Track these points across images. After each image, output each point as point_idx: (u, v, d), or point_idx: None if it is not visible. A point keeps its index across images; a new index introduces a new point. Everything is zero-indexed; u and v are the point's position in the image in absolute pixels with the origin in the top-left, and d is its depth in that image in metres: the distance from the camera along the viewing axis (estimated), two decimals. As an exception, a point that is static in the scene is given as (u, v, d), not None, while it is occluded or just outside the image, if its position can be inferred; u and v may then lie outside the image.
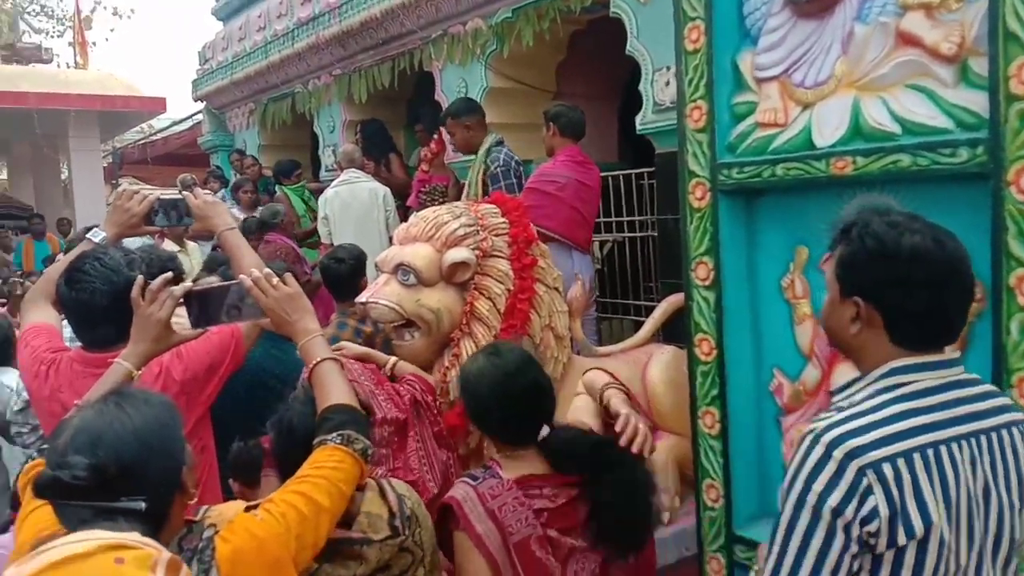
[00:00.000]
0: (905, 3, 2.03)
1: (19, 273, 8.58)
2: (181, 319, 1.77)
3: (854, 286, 1.43)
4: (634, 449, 2.10)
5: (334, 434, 1.55)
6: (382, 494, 1.75)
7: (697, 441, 2.66)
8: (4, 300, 5.73)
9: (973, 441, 1.35)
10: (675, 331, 3.79)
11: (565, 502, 1.92)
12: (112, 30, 38.13)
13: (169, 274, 1.78)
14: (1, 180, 17.95)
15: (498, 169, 4.33)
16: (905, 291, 1.36)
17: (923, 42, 2.00)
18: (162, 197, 2.27)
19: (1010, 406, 1.43)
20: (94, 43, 20.15)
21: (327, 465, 1.50)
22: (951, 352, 1.44)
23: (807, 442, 1.34)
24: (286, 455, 1.70)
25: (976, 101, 1.91)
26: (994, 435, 1.37)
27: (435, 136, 5.91)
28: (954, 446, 1.33)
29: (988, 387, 1.43)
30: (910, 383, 1.36)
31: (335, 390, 1.65)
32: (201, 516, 1.43)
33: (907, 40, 2.03)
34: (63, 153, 12.41)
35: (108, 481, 1.17)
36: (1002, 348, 1.89)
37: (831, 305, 1.49)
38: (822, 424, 1.34)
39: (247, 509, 1.43)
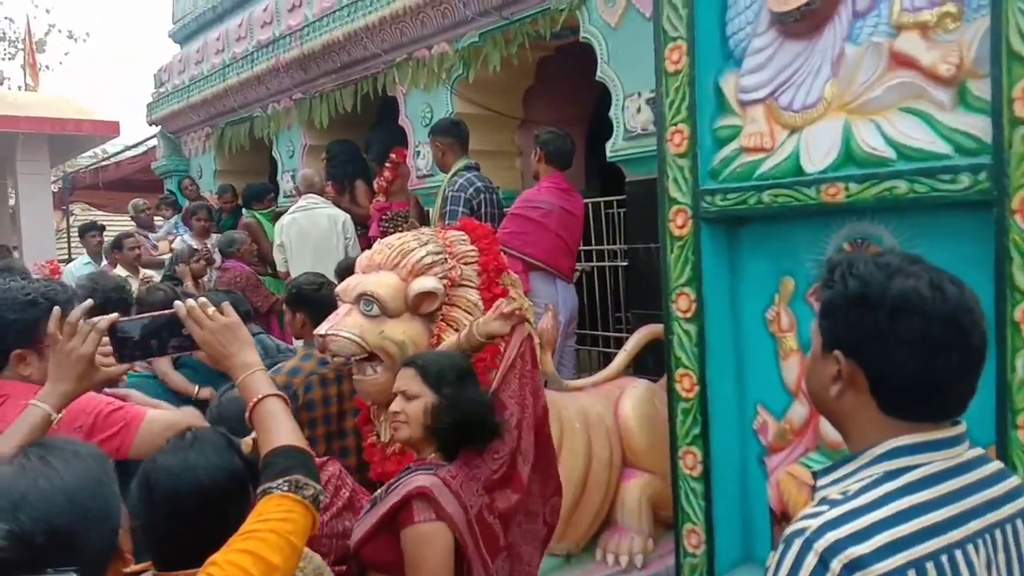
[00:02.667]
0: (899, 23, 1.95)
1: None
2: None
3: (834, 338, 1.17)
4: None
5: (280, 480, 1.36)
6: None
7: (677, 483, 2.52)
8: None
9: (988, 538, 1.11)
10: (645, 364, 3.68)
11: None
12: (67, 54, 37.10)
13: (89, 302, 1.57)
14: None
15: (450, 194, 4.18)
16: (890, 348, 1.11)
17: (919, 63, 1.91)
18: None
19: (1021, 488, 1.18)
20: (47, 66, 19.70)
21: (275, 517, 1.32)
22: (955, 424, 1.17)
23: (796, 547, 1.05)
24: (149, 526, 1.43)
25: (976, 125, 1.82)
26: (1008, 527, 1.14)
27: (387, 164, 5.77)
28: (970, 548, 1.09)
29: (997, 466, 1.18)
30: (915, 468, 1.10)
31: (280, 430, 1.45)
32: None
33: (901, 61, 1.95)
34: (10, 177, 11.97)
35: (34, 551, 0.99)
36: (1006, 387, 1.78)
37: (813, 360, 1.23)
38: (813, 524, 1.06)
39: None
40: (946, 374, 1.11)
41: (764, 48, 2.22)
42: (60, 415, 1.53)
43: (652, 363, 3.65)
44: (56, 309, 1.56)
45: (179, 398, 2.85)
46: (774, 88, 2.20)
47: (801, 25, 2.13)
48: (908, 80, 1.94)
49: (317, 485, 1.39)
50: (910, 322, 1.10)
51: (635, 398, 3.28)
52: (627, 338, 3.74)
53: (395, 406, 2.02)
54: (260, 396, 1.48)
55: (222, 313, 1.55)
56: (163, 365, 2.87)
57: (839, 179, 2.02)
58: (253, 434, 2.31)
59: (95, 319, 1.54)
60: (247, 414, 1.49)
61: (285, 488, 1.34)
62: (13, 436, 1.46)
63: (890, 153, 1.95)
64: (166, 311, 1.58)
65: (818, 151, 2.09)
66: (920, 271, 1.14)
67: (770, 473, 2.40)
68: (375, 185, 5.87)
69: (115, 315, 1.58)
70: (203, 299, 1.57)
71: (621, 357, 3.55)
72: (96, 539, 1.07)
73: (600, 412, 3.21)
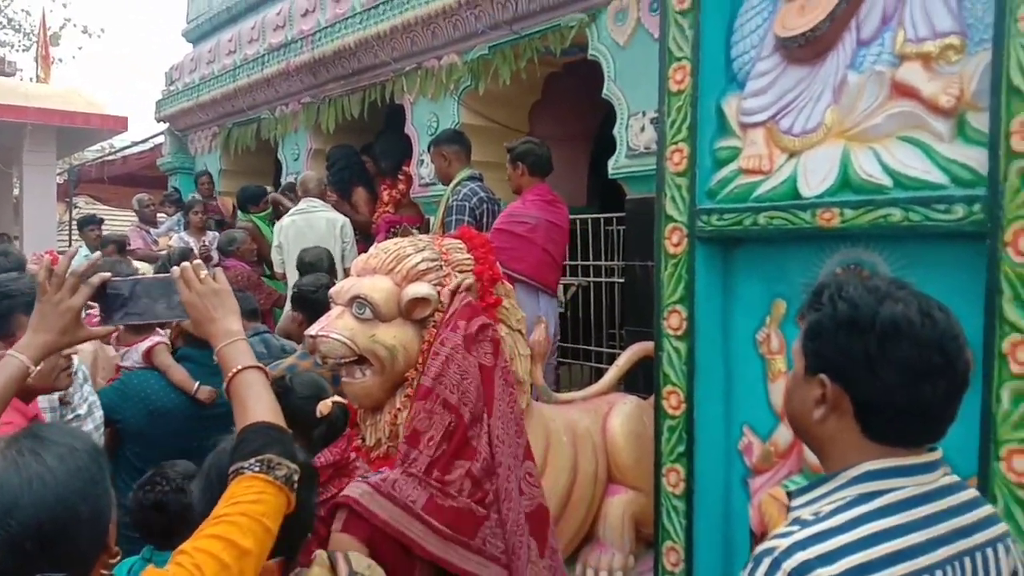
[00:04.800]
0: (902, 53, 1.97)
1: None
2: None
3: (821, 361, 1.17)
4: None
5: (252, 460, 1.31)
6: (332, 569, 1.50)
7: (659, 500, 2.52)
8: None
9: (958, 566, 1.12)
10: (635, 381, 3.68)
11: None
12: (80, 48, 37.19)
13: (75, 249, 1.58)
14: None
15: (454, 203, 4.21)
16: (878, 373, 1.11)
17: (920, 94, 1.92)
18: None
19: (994, 517, 1.20)
20: (59, 59, 19.78)
21: (246, 499, 1.27)
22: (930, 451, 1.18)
23: (765, 566, 1.06)
24: None
25: (973, 157, 1.83)
26: (979, 555, 1.14)
27: (400, 176, 5.79)
28: (939, 574, 1.10)
29: (972, 494, 1.19)
30: (888, 492, 1.11)
31: (257, 405, 1.39)
32: None
33: (902, 91, 1.96)
34: (16, 167, 12.01)
35: (23, 557, 0.97)
36: (991, 418, 1.78)
37: (794, 382, 1.23)
38: (783, 544, 1.07)
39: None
40: (933, 400, 1.13)
41: (767, 72, 2.24)
42: (39, 367, 1.51)
43: (643, 380, 3.65)
44: (46, 258, 1.56)
45: (178, 393, 2.82)
46: (775, 112, 2.22)
47: (805, 51, 2.14)
48: (908, 110, 1.96)
49: (291, 464, 1.34)
50: (899, 347, 1.11)
51: (624, 414, 3.29)
52: (620, 354, 3.75)
53: None
54: (240, 367, 1.43)
55: (214, 279, 1.53)
56: (165, 357, 2.84)
57: (835, 204, 2.03)
58: (334, 397, 2.34)
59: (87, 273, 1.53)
60: (224, 385, 1.44)
61: (256, 468, 1.30)
62: None
63: (887, 181, 1.96)
64: (161, 274, 1.58)
65: (816, 176, 2.10)
66: (908, 296, 1.15)
67: (753, 494, 2.39)
68: (385, 195, 5.88)
69: (108, 273, 1.56)
70: (198, 262, 1.56)
71: (612, 372, 3.55)
72: (86, 540, 1.06)
73: (588, 426, 3.21)
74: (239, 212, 6.80)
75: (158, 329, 2.97)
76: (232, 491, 1.29)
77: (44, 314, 1.51)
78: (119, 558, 1.19)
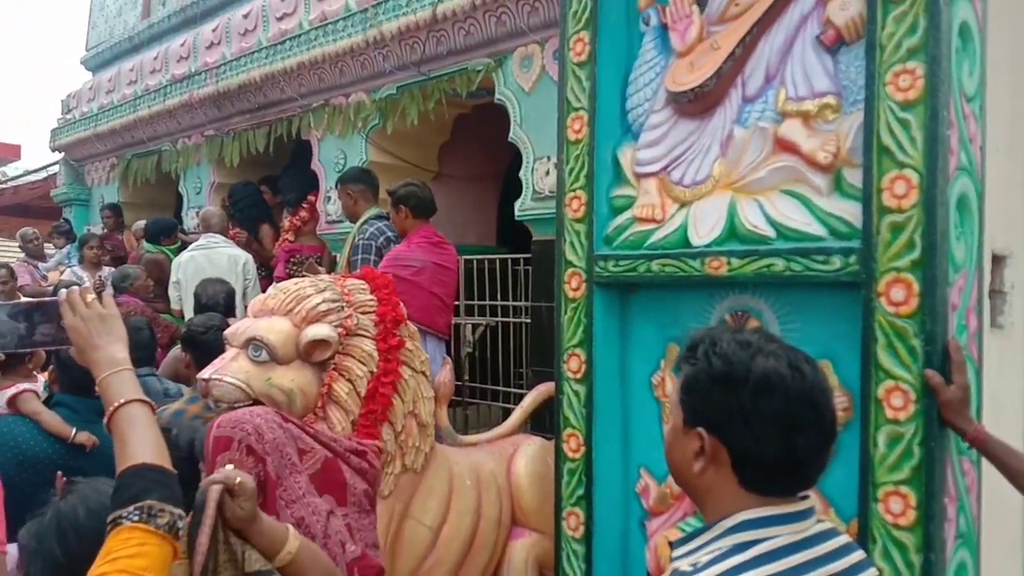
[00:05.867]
0: (784, 110, 2.06)
1: None
2: None
3: (698, 415, 1.20)
4: None
5: (131, 508, 1.21)
6: None
7: (560, 544, 2.52)
8: None
9: None
10: (542, 422, 3.70)
11: None
12: (-28, 71, 35.44)
13: None
14: None
15: (360, 242, 4.19)
16: (753, 426, 1.15)
17: (800, 149, 2.02)
18: None
19: (865, 561, 1.23)
20: (-52, 82, 18.88)
21: (125, 554, 1.18)
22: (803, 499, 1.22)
23: None
24: None
25: (849, 210, 1.93)
26: None
27: (304, 204, 5.73)
28: None
29: (844, 540, 1.23)
30: (763, 541, 1.15)
31: (138, 444, 1.28)
32: None
33: (784, 146, 2.05)
34: None
35: None
36: (869, 461, 1.86)
37: (673, 434, 1.25)
38: None
39: None
40: (804, 450, 1.17)
41: (660, 124, 2.31)
42: None
43: (549, 421, 3.66)
44: None
45: (52, 441, 2.64)
46: (667, 163, 2.29)
47: (694, 105, 2.23)
48: (790, 164, 2.05)
49: (175, 510, 1.26)
50: (772, 400, 1.15)
51: (528, 456, 3.28)
52: (526, 395, 3.75)
53: None
54: (123, 400, 1.34)
55: (102, 304, 1.45)
56: (33, 404, 2.67)
57: (722, 253, 2.10)
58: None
59: None
60: (105, 419, 1.35)
61: (136, 518, 1.22)
62: None
63: (770, 232, 2.05)
64: (47, 298, 1.51)
65: (704, 225, 2.17)
66: (779, 350, 1.20)
67: (650, 537, 2.42)
68: (287, 223, 5.82)
69: None
70: (86, 286, 1.50)
71: (517, 414, 3.55)
72: None
73: (492, 469, 3.19)
74: (149, 244, 6.56)
75: (35, 374, 2.81)
76: (109, 545, 1.21)
77: None
78: None
